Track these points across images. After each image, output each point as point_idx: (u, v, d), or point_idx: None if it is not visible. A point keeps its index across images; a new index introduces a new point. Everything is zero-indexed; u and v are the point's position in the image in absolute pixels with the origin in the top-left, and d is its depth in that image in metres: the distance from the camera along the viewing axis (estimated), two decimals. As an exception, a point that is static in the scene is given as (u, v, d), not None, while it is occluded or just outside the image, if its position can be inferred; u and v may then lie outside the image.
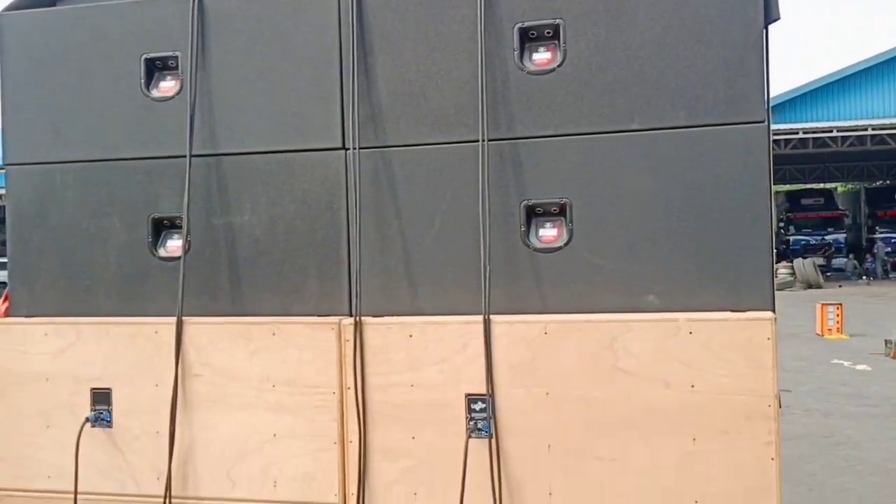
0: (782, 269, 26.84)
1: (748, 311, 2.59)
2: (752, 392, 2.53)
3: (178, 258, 2.96)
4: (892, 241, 31.73)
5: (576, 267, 2.74)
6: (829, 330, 14.17)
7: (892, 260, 31.19)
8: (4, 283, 3.28)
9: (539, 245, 2.77)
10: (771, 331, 2.52)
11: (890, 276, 30.48)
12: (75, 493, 2.94)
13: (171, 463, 2.90)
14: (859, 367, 10.63)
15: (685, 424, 2.57)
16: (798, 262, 27.68)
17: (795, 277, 26.62)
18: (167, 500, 2.90)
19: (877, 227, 33.13)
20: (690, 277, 2.67)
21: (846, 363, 10.89)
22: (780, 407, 2.61)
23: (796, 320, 15.99)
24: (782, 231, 34.79)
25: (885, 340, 11.66)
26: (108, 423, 2.98)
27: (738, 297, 2.63)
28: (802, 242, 32.76)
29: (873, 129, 27.84)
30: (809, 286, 25.91)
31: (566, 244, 2.75)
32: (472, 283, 2.77)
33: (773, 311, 2.61)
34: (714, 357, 2.55)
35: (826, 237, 33.04)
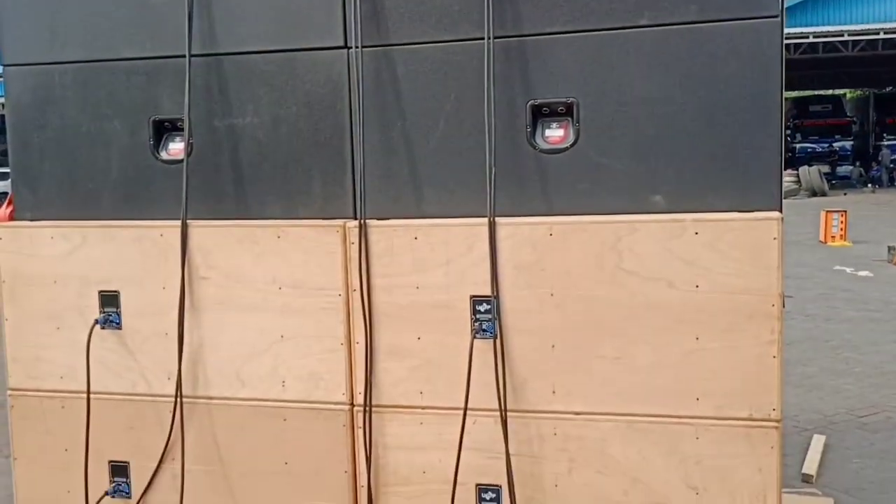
0: (787, 178, 26.67)
1: (755, 211, 2.58)
2: (756, 291, 2.54)
3: (181, 161, 2.94)
4: (900, 148, 31.40)
5: (582, 168, 2.71)
6: (833, 237, 14.18)
7: (898, 167, 30.95)
8: (6, 193, 3.27)
9: (545, 146, 2.73)
10: (777, 230, 2.52)
11: (895, 183, 30.30)
12: (88, 392, 3.00)
13: (181, 363, 2.94)
14: (861, 273, 10.68)
15: (688, 323, 2.59)
16: (803, 169, 27.51)
17: (800, 185, 26.51)
18: (178, 400, 2.96)
19: (884, 134, 32.75)
20: (698, 177, 2.64)
21: (848, 269, 10.94)
22: (784, 307, 2.63)
23: (800, 228, 15.99)
24: (789, 139, 34.43)
25: (888, 247, 11.69)
26: (118, 325, 3.01)
27: (745, 198, 2.61)
28: (809, 150, 32.44)
29: (885, 33, 27.17)
30: (814, 194, 25.84)
31: (572, 145, 2.71)
32: (477, 185, 2.75)
33: (781, 211, 2.60)
34: (719, 257, 2.55)
35: (833, 144, 32.70)
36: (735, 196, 2.61)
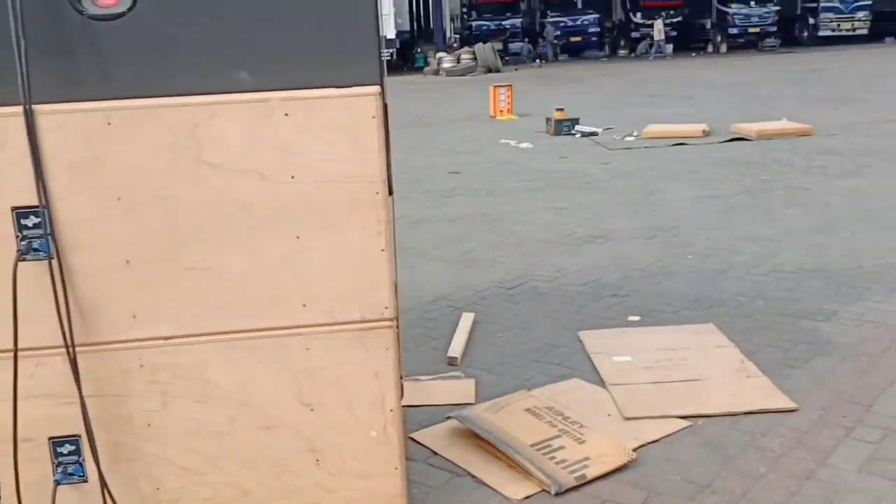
0: (465, 55, 27.58)
1: (354, 86, 2.23)
2: (357, 178, 2.22)
3: None
4: (561, 24, 33.53)
5: (146, 38, 2.17)
6: (501, 111, 14.73)
7: (560, 43, 33.09)
8: None
9: (95, 10, 2.15)
10: (375, 107, 2.19)
11: (559, 58, 32.43)
12: None
13: None
14: (523, 145, 11.14)
15: (286, 221, 2.23)
16: (479, 46, 28.44)
17: (477, 62, 27.48)
18: None
19: (548, 12, 34.80)
20: (289, 48, 2.22)
21: (512, 142, 11.36)
22: (392, 194, 2.35)
23: (474, 103, 16.49)
24: (465, 17, 35.52)
25: (546, 118, 12.33)
26: None
27: (343, 72, 2.24)
28: (485, 27, 33.68)
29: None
30: (489, 70, 26.88)
31: (130, 8, 2.15)
32: (9, 64, 2.11)
33: (382, 85, 2.27)
34: (314, 141, 2.19)
35: (504, 23, 34.21)
36: (331, 70, 2.24)
